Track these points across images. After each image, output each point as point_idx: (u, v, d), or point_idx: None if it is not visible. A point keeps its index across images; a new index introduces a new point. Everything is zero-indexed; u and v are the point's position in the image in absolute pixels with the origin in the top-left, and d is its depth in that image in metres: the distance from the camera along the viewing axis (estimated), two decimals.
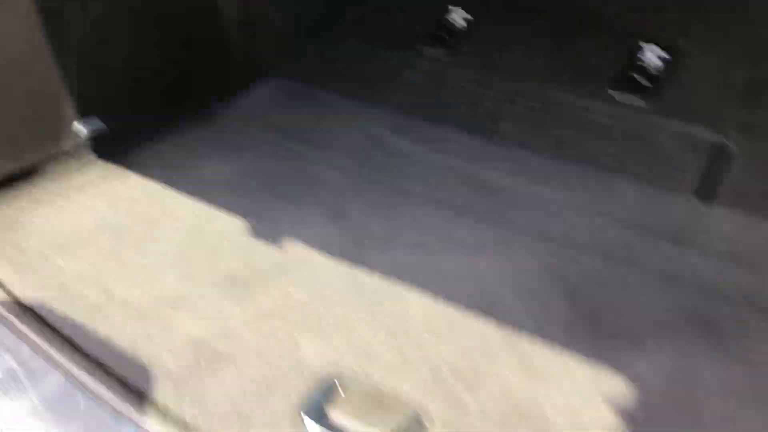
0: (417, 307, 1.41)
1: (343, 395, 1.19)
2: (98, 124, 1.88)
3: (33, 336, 1.29)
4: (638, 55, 2.04)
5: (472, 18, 2.32)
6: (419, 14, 2.38)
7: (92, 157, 1.90)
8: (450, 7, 2.34)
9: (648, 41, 2.06)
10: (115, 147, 1.93)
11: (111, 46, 1.86)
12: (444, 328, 1.35)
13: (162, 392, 1.20)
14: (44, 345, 1.26)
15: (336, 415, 1.16)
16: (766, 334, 1.36)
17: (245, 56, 2.30)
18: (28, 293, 1.42)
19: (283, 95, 2.26)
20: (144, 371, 1.23)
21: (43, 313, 1.36)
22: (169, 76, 2.06)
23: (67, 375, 1.20)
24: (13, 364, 1.23)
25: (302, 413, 1.16)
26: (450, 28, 2.32)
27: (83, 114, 1.84)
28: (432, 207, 1.73)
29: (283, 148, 2.01)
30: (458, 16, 2.34)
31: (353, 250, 1.57)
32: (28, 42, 1.67)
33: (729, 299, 1.45)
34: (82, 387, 1.18)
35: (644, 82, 2.00)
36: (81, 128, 1.85)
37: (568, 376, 1.26)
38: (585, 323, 1.38)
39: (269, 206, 1.73)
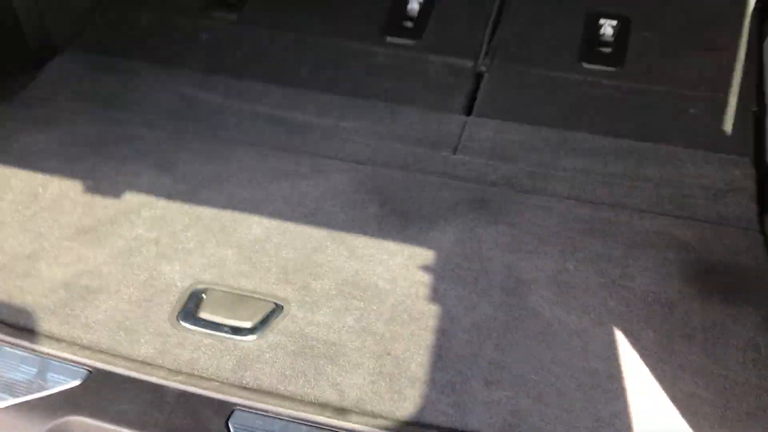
0: (256, 226, 1.66)
1: (209, 300, 1.42)
2: None
3: None
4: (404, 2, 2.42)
5: None
6: None
7: None
8: None
9: None
10: None
11: None
12: (281, 238, 1.62)
13: (48, 325, 1.34)
14: None
15: (208, 316, 1.39)
16: (523, 205, 1.79)
17: (39, 35, 2.33)
18: None
19: (84, 68, 2.34)
20: (26, 314, 1.36)
21: None
22: None
23: None
24: None
25: (178, 319, 1.38)
26: None
27: None
28: (252, 149, 1.97)
29: (96, 116, 2.12)
30: None
31: (189, 192, 1.77)
32: None
33: (496, 183, 1.87)
34: None
35: (408, 24, 2.39)
36: None
37: (386, 254, 1.59)
38: (393, 217, 1.73)
39: (98, 167, 1.86)
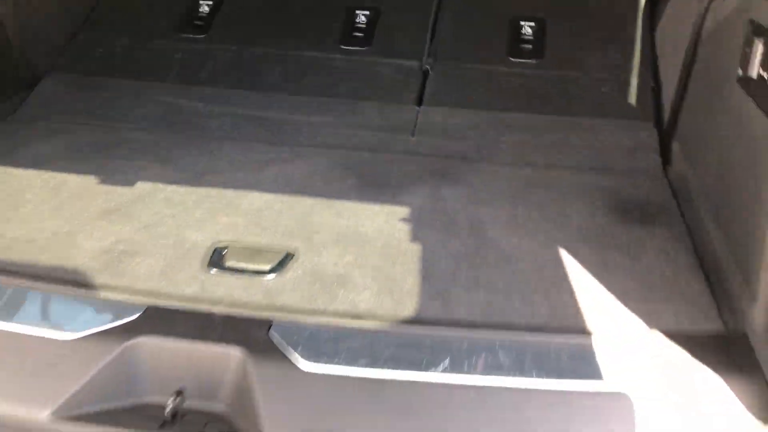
0: (256, 200, 1.96)
1: (231, 254, 1.71)
2: None
3: None
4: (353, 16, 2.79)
5: (213, 4, 2.87)
6: (167, 3, 2.86)
7: None
8: None
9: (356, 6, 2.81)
10: None
11: None
12: (280, 206, 1.93)
13: (102, 279, 1.60)
14: None
15: (233, 264, 1.68)
16: (476, 172, 2.15)
17: (23, 60, 2.58)
18: None
19: (71, 87, 2.59)
20: (80, 272, 1.62)
21: None
22: None
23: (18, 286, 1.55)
24: None
25: (209, 268, 1.66)
26: (201, 14, 2.84)
27: None
28: (237, 143, 2.28)
29: (92, 126, 2.38)
30: (204, 3, 2.87)
31: (192, 179, 2.06)
32: None
33: (450, 157, 2.23)
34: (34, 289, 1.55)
35: (359, 34, 2.75)
36: None
37: (368, 213, 1.92)
38: (369, 187, 2.06)
39: (106, 164, 2.13)
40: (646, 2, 2.73)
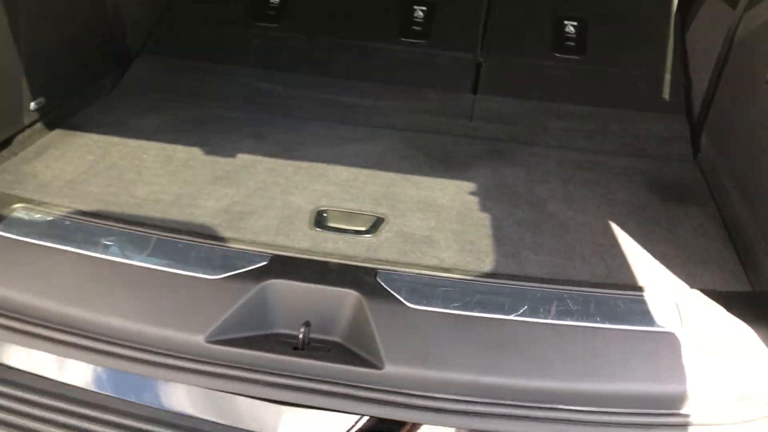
0: (343, 172, 2.26)
1: (331, 216, 2.01)
2: (41, 101, 2.37)
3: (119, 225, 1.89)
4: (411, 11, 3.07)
5: None
6: None
7: (41, 126, 2.38)
8: None
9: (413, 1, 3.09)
10: (52, 118, 2.43)
11: (44, 41, 2.35)
12: (365, 178, 2.23)
13: (226, 233, 1.90)
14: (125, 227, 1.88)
15: (335, 225, 1.98)
16: (528, 154, 2.45)
17: (118, 42, 2.86)
18: (79, 207, 1.98)
19: (161, 68, 2.89)
20: (206, 227, 1.92)
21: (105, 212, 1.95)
22: (81, 61, 2.60)
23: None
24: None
25: (315, 227, 1.96)
26: (272, 4, 3.12)
27: (32, 94, 2.32)
28: (318, 123, 2.58)
29: (186, 104, 2.67)
30: None
31: (285, 151, 2.36)
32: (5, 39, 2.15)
33: (505, 140, 2.53)
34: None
35: (417, 28, 3.04)
36: (33, 105, 2.33)
37: (440, 186, 2.22)
38: (437, 164, 2.36)
39: (206, 138, 2.42)
40: (677, 7, 3.01)
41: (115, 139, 2.37)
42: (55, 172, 2.16)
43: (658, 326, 1.64)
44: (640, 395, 1.54)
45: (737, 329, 1.65)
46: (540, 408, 1.53)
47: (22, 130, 2.30)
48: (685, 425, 1.52)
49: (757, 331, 1.64)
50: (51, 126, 2.41)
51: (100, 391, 1.62)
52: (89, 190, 2.08)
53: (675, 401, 1.53)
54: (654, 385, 1.55)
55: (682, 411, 1.52)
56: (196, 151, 2.33)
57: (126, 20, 2.87)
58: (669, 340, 1.61)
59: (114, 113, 2.57)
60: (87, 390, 1.61)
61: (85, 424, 1.57)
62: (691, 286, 1.80)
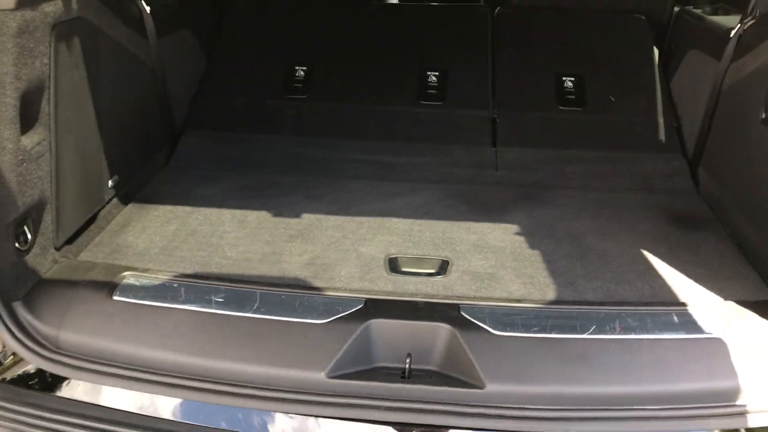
0: (400, 224, 2.53)
1: (401, 262, 2.28)
2: (116, 178, 2.60)
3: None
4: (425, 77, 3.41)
5: (307, 69, 3.45)
6: (271, 68, 3.43)
7: (117, 201, 2.61)
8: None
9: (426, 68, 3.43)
10: (125, 193, 2.65)
11: (116, 121, 2.59)
12: (421, 227, 2.51)
13: (320, 284, 2.15)
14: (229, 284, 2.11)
15: (408, 269, 2.25)
16: (554, 196, 2.77)
17: (170, 118, 3.12)
18: (180, 270, 2.20)
19: (207, 141, 3.14)
20: (297, 280, 2.16)
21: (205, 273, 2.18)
22: (143, 139, 2.85)
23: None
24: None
25: (391, 272, 2.22)
26: (298, 78, 3.42)
27: (110, 172, 2.55)
28: (360, 181, 2.86)
29: (237, 173, 2.92)
30: (299, 68, 3.45)
31: (342, 209, 2.62)
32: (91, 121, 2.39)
33: (531, 185, 2.85)
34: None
35: (434, 92, 3.37)
36: (111, 182, 2.56)
37: (488, 229, 2.51)
38: (479, 210, 2.65)
39: (268, 201, 2.67)
40: (659, 60, 3.42)
41: (188, 209, 2.61)
42: (146, 242, 2.38)
43: (707, 333, 1.94)
44: (701, 392, 1.83)
45: None
46: (619, 410, 1.80)
47: (103, 207, 2.52)
48: (742, 414, 1.80)
49: None
50: (125, 201, 2.64)
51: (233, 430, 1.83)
52: (183, 255, 2.31)
53: (731, 395, 1.82)
54: (711, 383, 1.84)
55: (738, 402, 1.81)
56: (264, 214, 2.58)
57: (171, 98, 3.13)
58: (718, 345, 1.91)
59: (177, 185, 2.80)
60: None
61: None
62: (725, 299, 2.11)
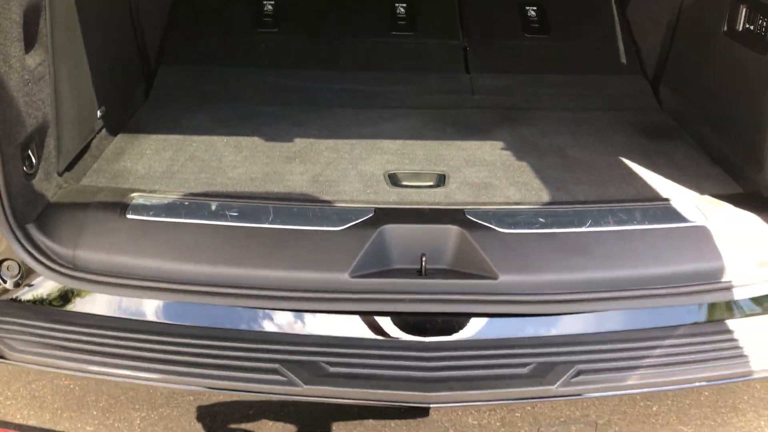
0: (390, 143, 2.62)
1: (401, 177, 2.38)
2: (104, 109, 2.58)
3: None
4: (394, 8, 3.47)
5: (275, 3, 3.45)
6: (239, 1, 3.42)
7: (105, 132, 2.59)
8: None
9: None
10: (113, 124, 2.64)
11: (100, 54, 2.56)
12: (412, 147, 2.61)
13: (327, 197, 2.22)
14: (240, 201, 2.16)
15: (408, 183, 2.35)
16: (532, 117, 2.91)
17: (146, 54, 3.08)
18: (186, 191, 2.24)
19: (184, 75, 3.13)
20: (306, 194, 2.24)
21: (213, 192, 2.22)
22: (124, 72, 2.82)
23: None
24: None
25: (392, 186, 2.32)
26: (267, 12, 3.42)
27: (98, 103, 2.53)
28: (345, 109, 2.92)
29: (219, 104, 2.93)
30: (267, 2, 3.45)
31: (333, 133, 2.69)
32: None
33: (506, 107, 2.98)
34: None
35: (403, 23, 3.44)
36: (99, 113, 2.54)
37: (476, 146, 2.63)
38: (465, 131, 2.77)
39: (257, 129, 2.71)
40: None
41: (180, 137, 2.62)
42: (146, 168, 2.40)
43: (691, 222, 2.13)
44: (689, 272, 2.02)
45: (745, 217, 2.16)
46: (618, 291, 1.97)
47: (94, 136, 2.50)
48: (727, 289, 2.00)
49: (761, 216, 2.16)
50: (113, 132, 2.62)
51: (268, 330, 1.91)
52: (185, 177, 2.34)
53: (715, 273, 2.01)
54: (698, 264, 2.03)
55: (723, 279, 2.01)
56: (257, 140, 2.62)
57: (145, 32, 3.09)
58: (701, 232, 2.10)
59: (163, 117, 2.80)
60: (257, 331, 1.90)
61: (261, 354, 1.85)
62: (701, 194, 2.30)
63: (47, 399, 1.97)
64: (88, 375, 1.85)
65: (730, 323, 1.98)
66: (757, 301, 2.02)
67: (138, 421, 1.96)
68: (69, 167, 2.29)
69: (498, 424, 1.95)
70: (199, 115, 2.83)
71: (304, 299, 1.89)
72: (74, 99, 2.30)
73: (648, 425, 2.00)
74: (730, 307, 2.01)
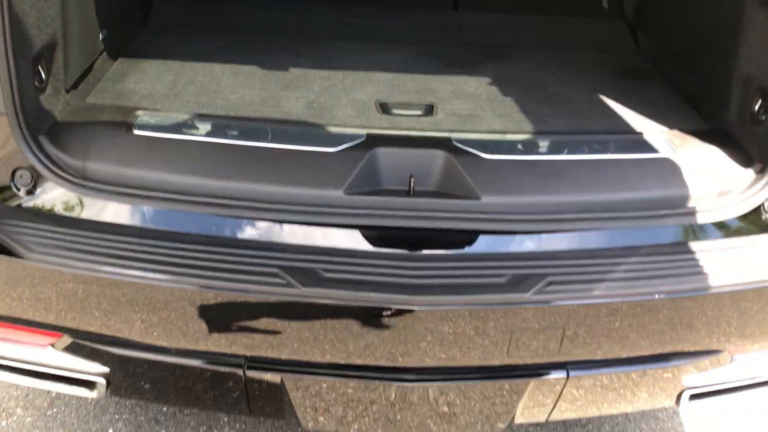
0: (382, 74, 2.75)
1: (392, 104, 2.51)
2: (105, 32, 2.66)
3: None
4: None
5: None
6: None
7: (106, 56, 2.68)
8: None
9: None
10: (114, 48, 2.73)
11: None
12: (402, 78, 2.74)
13: (319, 120, 2.36)
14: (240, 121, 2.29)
15: (399, 111, 2.48)
16: (517, 54, 3.04)
17: None
18: (189, 110, 2.35)
19: (181, 7, 3.20)
20: (299, 118, 2.36)
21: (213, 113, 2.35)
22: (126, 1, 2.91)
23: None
24: None
25: (383, 113, 2.45)
26: None
27: (100, 25, 2.61)
28: (338, 41, 3.03)
29: (215, 33, 3.02)
30: None
31: (328, 62, 2.81)
32: None
33: (492, 45, 3.11)
34: None
35: None
36: (101, 35, 2.62)
37: (463, 80, 2.77)
38: (453, 65, 2.90)
39: (253, 58, 2.81)
40: None
41: (179, 62, 2.72)
42: (148, 89, 2.50)
43: (659, 153, 2.30)
44: (656, 199, 2.20)
45: (710, 150, 2.34)
46: (590, 213, 2.15)
47: (97, 58, 2.59)
48: (689, 214, 2.19)
49: (723, 150, 2.34)
50: (114, 56, 2.71)
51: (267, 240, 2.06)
52: (187, 98, 2.45)
53: (680, 201, 2.20)
54: (664, 191, 2.21)
55: (688, 206, 2.19)
56: (253, 68, 2.73)
57: None
58: (669, 162, 2.27)
59: (161, 44, 2.89)
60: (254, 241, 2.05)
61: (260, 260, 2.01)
62: (671, 129, 2.47)
63: (52, 301, 2.11)
64: (99, 275, 1.99)
65: (690, 245, 2.18)
66: (716, 226, 2.22)
67: (138, 323, 2.11)
68: (75, 85, 2.39)
69: (472, 332, 2.14)
70: (198, 44, 2.92)
71: (303, 212, 2.04)
72: (80, 18, 2.39)
73: (610, 338, 2.21)
74: (691, 231, 2.20)
